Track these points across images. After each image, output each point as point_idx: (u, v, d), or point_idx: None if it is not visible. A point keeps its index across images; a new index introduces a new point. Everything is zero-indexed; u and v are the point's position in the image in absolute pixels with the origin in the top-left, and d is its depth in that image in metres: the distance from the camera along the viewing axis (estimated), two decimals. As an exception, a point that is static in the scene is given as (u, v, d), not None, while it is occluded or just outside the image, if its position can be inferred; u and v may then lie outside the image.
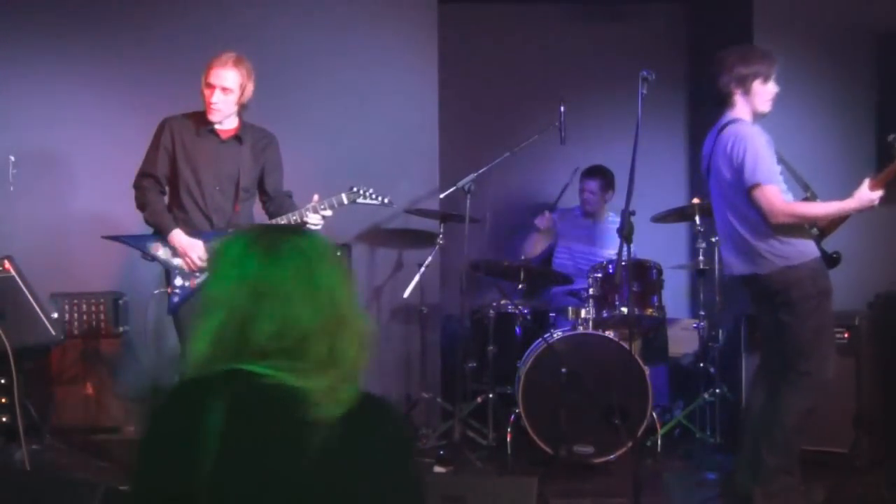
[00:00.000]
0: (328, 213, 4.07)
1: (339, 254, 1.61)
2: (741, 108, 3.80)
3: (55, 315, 4.86)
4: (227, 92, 3.92)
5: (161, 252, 3.99)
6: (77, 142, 5.27)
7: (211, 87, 3.91)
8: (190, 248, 3.94)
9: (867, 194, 3.69)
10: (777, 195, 3.66)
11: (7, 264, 4.69)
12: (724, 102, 3.81)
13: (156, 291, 4.21)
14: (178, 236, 3.96)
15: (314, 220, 4.05)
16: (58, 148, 5.28)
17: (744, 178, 3.67)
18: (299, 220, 4.05)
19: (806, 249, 3.72)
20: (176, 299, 3.97)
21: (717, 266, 4.85)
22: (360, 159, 5.34)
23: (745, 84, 3.76)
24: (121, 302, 5.12)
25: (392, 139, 5.45)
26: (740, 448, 3.94)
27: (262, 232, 1.59)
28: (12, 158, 5.15)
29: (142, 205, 4.04)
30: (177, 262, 3.97)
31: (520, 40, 6.08)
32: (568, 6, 6.12)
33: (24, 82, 5.29)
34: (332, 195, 4.09)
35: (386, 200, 4.34)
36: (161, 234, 3.99)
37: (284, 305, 1.49)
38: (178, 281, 3.97)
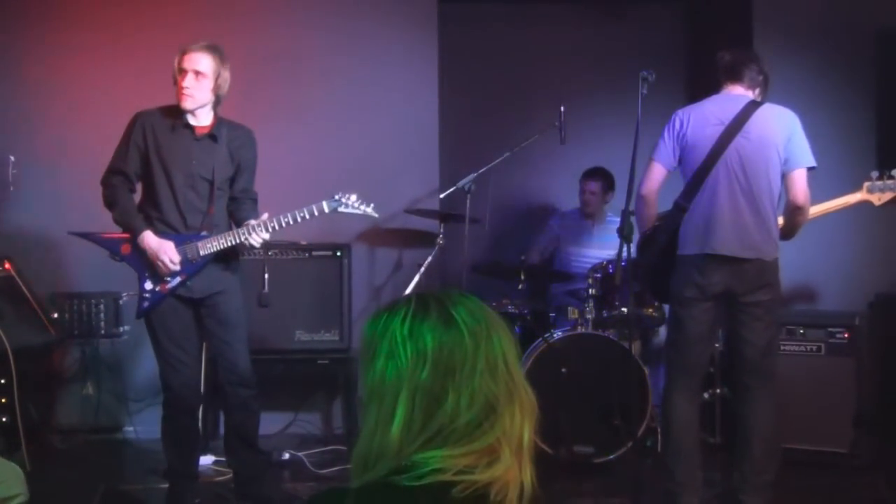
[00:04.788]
0: (266, 235, 3.71)
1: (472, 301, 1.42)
2: None
3: (55, 315, 4.87)
4: (201, 77, 3.70)
5: (131, 254, 3.75)
6: (77, 142, 5.26)
7: (184, 71, 3.68)
8: (160, 251, 3.69)
9: None
10: None
11: (7, 264, 4.70)
12: (743, 82, 3.74)
13: (124, 295, 3.97)
14: (147, 238, 3.71)
15: (254, 242, 3.71)
16: (58, 148, 5.28)
17: (802, 158, 3.62)
18: (245, 240, 3.70)
19: None
20: (146, 304, 3.74)
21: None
22: (359, 159, 5.35)
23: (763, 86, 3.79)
24: (121, 302, 5.12)
25: (392, 139, 5.45)
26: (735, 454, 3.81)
27: (424, 301, 1.42)
28: (12, 158, 5.16)
29: (110, 203, 3.79)
30: (145, 263, 3.72)
31: (520, 40, 6.07)
32: (568, 6, 6.11)
33: (23, 82, 5.29)
34: (314, 202, 3.78)
35: (369, 210, 3.90)
36: (130, 236, 3.76)
37: (470, 377, 1.34)
38: (148, 285, 3.74)
